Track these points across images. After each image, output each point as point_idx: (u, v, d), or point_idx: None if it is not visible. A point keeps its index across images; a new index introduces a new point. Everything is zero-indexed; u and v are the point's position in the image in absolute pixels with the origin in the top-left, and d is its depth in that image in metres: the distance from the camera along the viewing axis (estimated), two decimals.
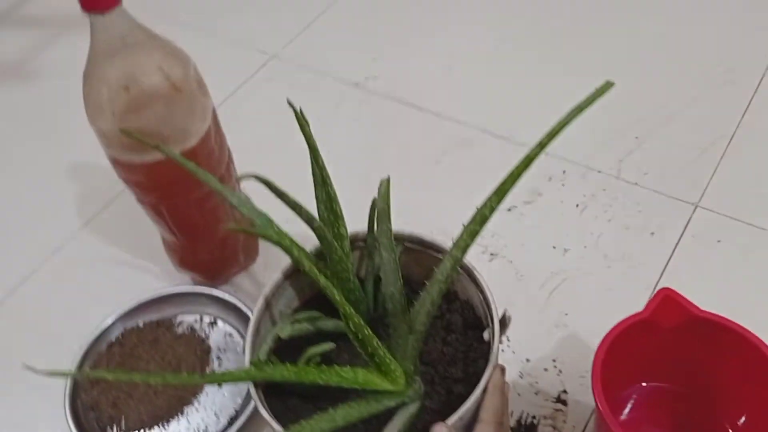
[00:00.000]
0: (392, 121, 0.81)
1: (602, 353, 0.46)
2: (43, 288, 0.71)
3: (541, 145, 0.35)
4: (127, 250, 0.73)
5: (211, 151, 0.57)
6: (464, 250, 0.40)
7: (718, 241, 0.66)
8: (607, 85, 0.35)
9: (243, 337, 0.65)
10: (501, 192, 0.38)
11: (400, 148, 0.78)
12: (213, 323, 0.66)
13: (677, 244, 0.66)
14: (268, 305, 0.48)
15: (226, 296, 0.65)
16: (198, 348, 0.64)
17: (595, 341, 0.60)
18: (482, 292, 0.47)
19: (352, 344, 0.48)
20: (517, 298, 0.64)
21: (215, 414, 0.60)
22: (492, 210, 0.39)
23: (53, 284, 0.71)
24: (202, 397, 0.61)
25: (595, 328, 0.61)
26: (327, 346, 0.43)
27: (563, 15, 0.92)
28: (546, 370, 0.60)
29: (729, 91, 0.79)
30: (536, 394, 0.58)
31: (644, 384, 0.54)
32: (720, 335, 0.48)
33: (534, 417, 0.57)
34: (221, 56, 0.91)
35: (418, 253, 0.49)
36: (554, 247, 0.67)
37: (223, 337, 0.65)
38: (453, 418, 0.40)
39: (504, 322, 0.45)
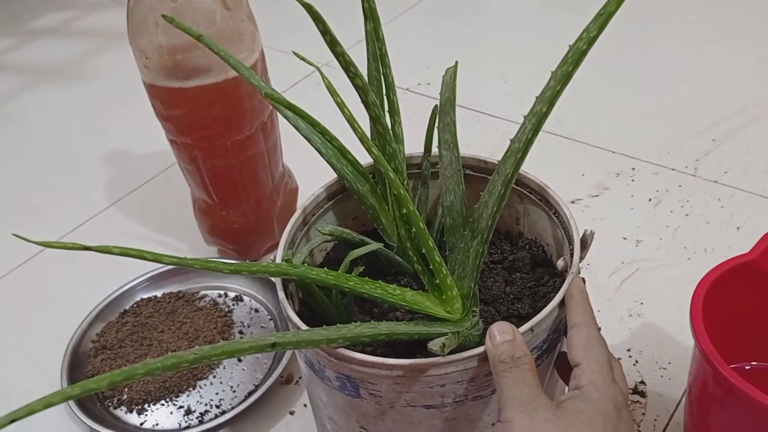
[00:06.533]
0: None
1: (701, 295, 0.38)
2: (58, 258, 0.65)
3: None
4: (154, 228, 0.67)
5: (255, 91, 0.53)
6: (537, 123, 0.33)
7: None
8: None
9: (270, 313, 0.57)
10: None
11: None
12: (238, 299, 0.59)
13: None
14: (305, 222, 0.41)
15: None
16: (219, 321, 0.57)
17: (676, 331, 0.52)
18: (555, 209, 0.40)
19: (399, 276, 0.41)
20: None
21: (232, 389, 0.52)
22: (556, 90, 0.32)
23: (69, 255, 0.64)
24: (218, 371, 0.53)
25: (675, 318, 0.53)
26: (373, 246, 0.36)
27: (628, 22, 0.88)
28: (620, 359, 0.51)
29: None
30: None
31: (749, 366, 0.45)
32: None
33: None
34: None
35: (479, 182, 0.43)
36: (625, 239, 0.60)
37: (248, 313, 0.58)
38: (526, 326, 0.33)
39: (585, 241, 0.38)
